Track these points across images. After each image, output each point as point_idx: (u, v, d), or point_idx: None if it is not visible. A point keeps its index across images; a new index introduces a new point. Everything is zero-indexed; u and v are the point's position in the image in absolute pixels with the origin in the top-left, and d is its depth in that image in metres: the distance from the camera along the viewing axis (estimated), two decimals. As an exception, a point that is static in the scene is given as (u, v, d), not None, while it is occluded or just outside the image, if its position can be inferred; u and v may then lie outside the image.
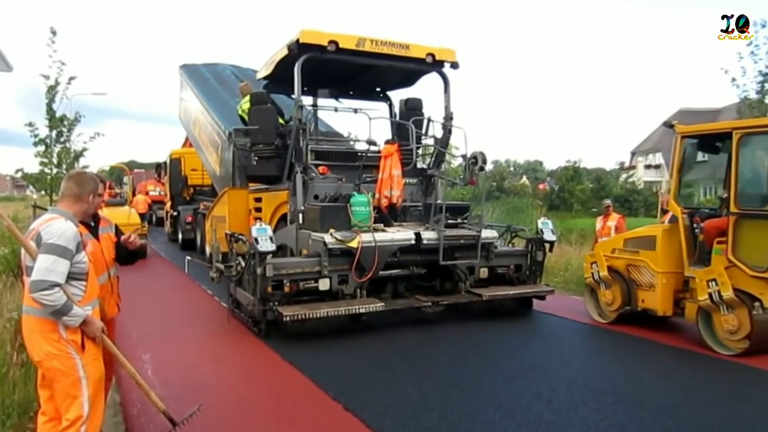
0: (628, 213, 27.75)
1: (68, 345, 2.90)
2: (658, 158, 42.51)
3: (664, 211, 8.40)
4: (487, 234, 7.43)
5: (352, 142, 10.10)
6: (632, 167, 43.48)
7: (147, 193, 23.26)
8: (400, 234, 6.99)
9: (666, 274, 6.49)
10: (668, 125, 7.07)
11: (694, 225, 6.41)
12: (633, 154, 45.97)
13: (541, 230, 7.71)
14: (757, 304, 5.62)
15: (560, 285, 9.81)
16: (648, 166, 43.15)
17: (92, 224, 3.47)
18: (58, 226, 2.88)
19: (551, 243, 7.76)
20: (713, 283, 5.82)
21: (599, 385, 4.80)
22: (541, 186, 41.74)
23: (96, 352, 3.04)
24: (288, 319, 6.03)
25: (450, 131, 8.41)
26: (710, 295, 5.82)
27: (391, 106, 10.05)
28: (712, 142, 6.91)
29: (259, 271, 6.21)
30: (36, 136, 9.18)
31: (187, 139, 16.54)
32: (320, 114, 10.26)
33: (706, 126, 7.01)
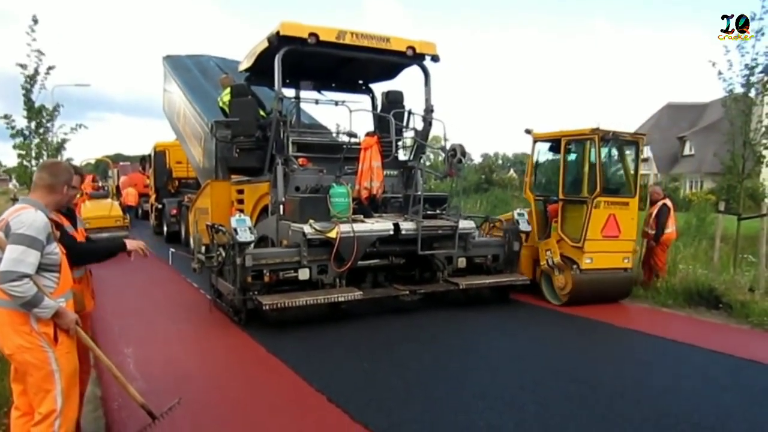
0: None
1: (40, 338, 2.83)
2: (646, 151, 42.89)
3: (653, 203, 8.85)
4: (465, 225, 7.57)
5: (334, 134, 10.18)
6: (620, 160, 43.80)
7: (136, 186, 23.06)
8: (379, 224, 7.10)
9: (527, 246, 8.17)
10: (527, 131, 8.46)
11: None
12: (621, 147, 46.38)
13: (517, 221, 7.87)
14: (575, 266, 7.55)
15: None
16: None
17: (71, 216, 3.52)
18: (27, 216, 2.81)
19: (527, 233, 7.92)
20: (549, 252, 7.87)
21: (584, 376, 4.87)
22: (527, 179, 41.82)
23: (69, 345, 2.98)
24: (267, 308, 6.13)
25: (430, 124, 8.53)
26: (547, 261, 7.89)
27: (373, 98, 10.13)
28: (557, 145, 8.16)
29: (238, 261, 6.30)
30: (13, 128, 9.09)
31: None
32: (304, 106, 10.33)
33: (547, 134, 8.42)
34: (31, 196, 3.07)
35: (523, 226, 7.81)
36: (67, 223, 3.42)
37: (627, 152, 8.05)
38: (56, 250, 2.92)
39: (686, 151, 40.27)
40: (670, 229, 8.72)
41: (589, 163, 7.60)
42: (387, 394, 4.42)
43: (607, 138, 7.52)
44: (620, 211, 7.58)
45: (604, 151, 7.80)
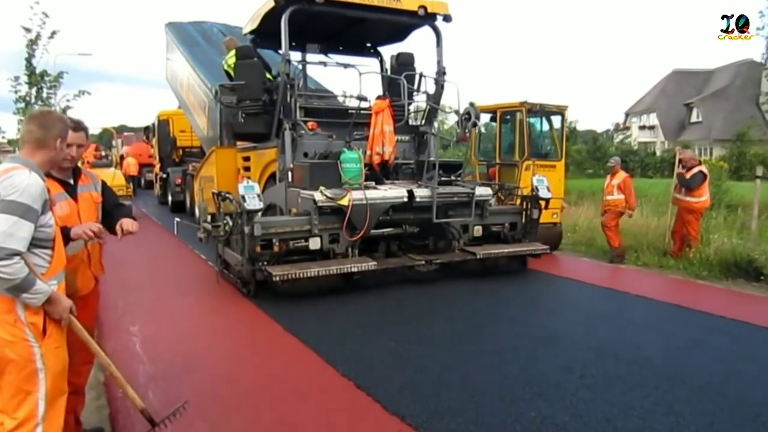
0: (624, 173, 27.50)
1: (26, 329, 2.31)
2: (652, 119, 42.12)
3: (687, 169, 8.55)
4: (482, 191, 7.27)
5: (341, 99, 9.82)
6: (626, 128, 43.05)
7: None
8: (392, 191, 6.81)
9: None
10: (470, 104, 8.27)
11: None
12: (627, 115, 45.44)
13: (536, 187, 7.54)
14: None
15: (569, 246, 9.64)
16: (642, 127, 42.68)
17: (70, 181, 2.97)
18: (21, 179, 2.27)
19: (547, 200, 7.61)
20: None
21: (631, 356, 4.39)
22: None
23: (59, 338, 2.47)
24: (278, 279, 5.89)
25: (443, 87, 8.15)
26: None
27: (382, 61, 9.74)
28: (495, 116, 9.35)
29: (246, 230, 6.03)
30: (17, 92, 8.79)
31: None
32: (309, 70, 9.93)
33: (487, 106, 9.36)
34: (20, 153, 2.56)
35: (543, 193, 7.48)
36: (58, 190, 2.89)
37: (554, 121, 9.33)
38: (51, 221, 2.42)
39: (693, 118, 39.59)
40: (705, 196, 8.36)
41: (519, 132, 8.76)
42: (420, 378, 3.97)
43: (534, 110, 8.78)
44: (548, 172, 8.38)
45: (534, 120, 9.03)
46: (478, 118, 7.15)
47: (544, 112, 8.91)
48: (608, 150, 29.92)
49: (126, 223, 3.04)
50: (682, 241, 8.36)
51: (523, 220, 7.71)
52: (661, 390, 3.78)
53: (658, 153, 33.80)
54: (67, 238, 2.70)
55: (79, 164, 3.18)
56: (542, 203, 7.61)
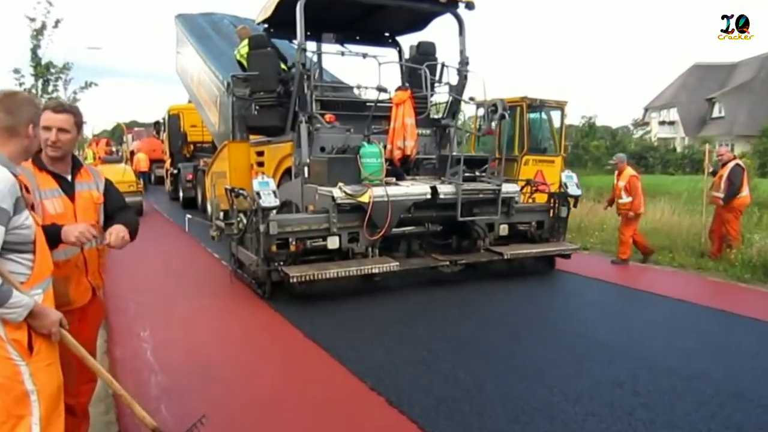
0: (644, 170, 26.89)
1: (8, 347, 2.01)
2: (672, 114, 41.16)
3: (722, 164, 7.98)
4: (508, 188, 6.88)
5: (357, 91, 9.46)
6: (645, 123, 42.19)
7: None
8: (415, 188, 6.44)
9: None
10: (470, 99, 8.22)
11: None
12: (646, 110, 44.53)
13: (565, 184, 7.14)
14: None
15: (597, 245, 9.17)
16: (662, 123, 41.77)
17: (67, 177, 2.63)
18: None
19: (576, 198, 7.20)
20: None
21: (686, 369, 3.98)
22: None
23: (50, 354, 2.14)
24: (295, 280, 5.55)
25: (466, 78, 7.76)
26: None
27: (400, 52, 9.36)
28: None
29: (262, 228, 5.69)
30: (21, 84, 8.49)
31: None
32: (323, 62, 9.58)
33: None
34: None
35: (572, 190, 7.08)
36: (49, 186, 2.54)
37: (554, 117, 9.41)
38: (28, 221, 2.05)
39: (715, 113, 38.51)
40: (745, 192, 7.83)
41: (519, 127, 8.62)
42: (457, 392, 3.61)
43: (533, 105, 8.76)
44: (546, 167, 8.61)
45: (534, 116, 8.90)
46: (506, 110, 6.73)
47: (544, 107, 9.02)
48: (627, 146, 29.34)
49: (114, 234, 2.58)
50: (720, 242, 7.88)
51: (551, 218, 7.32)
52: (728, 409, 3.39)
53: (678, 149, 33.06)
54: (56, 238, 2.34)
55: (90, 159, 2.78)
56: (571, 201, 7.22)
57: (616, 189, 8.18)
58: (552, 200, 7.32)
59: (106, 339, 4.83)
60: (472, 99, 8.00)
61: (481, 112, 7.85)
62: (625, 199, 7.94)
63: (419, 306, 5.68)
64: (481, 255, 6.78)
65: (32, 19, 7.95)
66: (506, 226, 7.06)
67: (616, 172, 8.37)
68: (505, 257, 6.62)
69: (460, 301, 5.89)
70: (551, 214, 7.30)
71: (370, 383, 3.76)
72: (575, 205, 7.30)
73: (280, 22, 7.96)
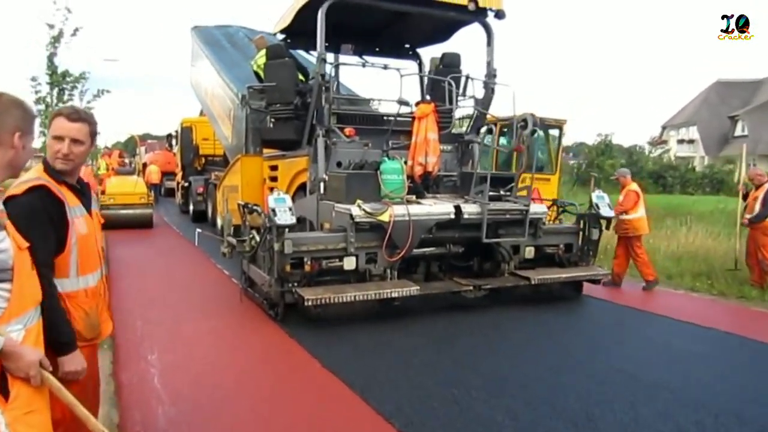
0: (662, 190, 26.35)
1: None
2: (692, 132, 40.37)
3: (756, 186, 7.52)
4: (536, 209, 6.50)
5: (375, 105, 9.16)
6: (663, 141, 41.48)
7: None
8: (438, 207, 6.08)
9: None
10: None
11: None
12: (664, 128, 43.86)
13: (597, 204, 6.74)
14: None
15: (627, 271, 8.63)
16: (681, 141, 41.00)
17: (82, 190, 2.32)
18: None
19: (609, 220, 6.80)
20: None
21: (760, 416, 3.55)
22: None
23: (32, 400, 1.79)
24: (310, 303, 5.18)
25: (493, 91, 7.40)
26: None
27: (420, 65, 9.06)
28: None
29: (276, 247, 5.35)
30: (37, 93, 8.25)
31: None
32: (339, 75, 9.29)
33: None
34: None
35: (605, 211, 6.68)
36: (74, 203, 2.25)
37: (552, 135, 9.26)
38: (5, 244, 1.73)
39: (738, 132, 37.53)
40: None
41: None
42: None
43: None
44: (542, 185, 8.39)
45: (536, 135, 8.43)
46: (536, 126, 6.37)
47: (543, 125, 8.70)
48: (645, 164, 28.81)
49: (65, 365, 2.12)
50: (759, 268, 7.41)
51: (580, 241, 6.92)
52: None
53: (698, 168, 32.40)
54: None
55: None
56: (603, 223, 6.81)
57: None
58: (581, 222, 6.91)
59: (111, 360, 4.54)
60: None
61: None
62: (632, 215, 7.51)
63: (443, 334, 5.27)
64: (507, 279, 6.38)
65: (51, 26, 7.74)
66: (533, 248, 6.66)
67: (621, 188, 7.98)
68: (533, 282, 6.22)
69: (487, 328, 5.48)
70: (581, 237, 6.89)
71: (398, 426, 3.37)
72: (608, 227, 6.89)
73: (298, 32, 7.71)
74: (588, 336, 5.48)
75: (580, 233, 6.89)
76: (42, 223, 2.08)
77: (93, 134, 2.33)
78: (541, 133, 8.65)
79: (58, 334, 2.07)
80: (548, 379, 4.14)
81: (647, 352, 4.94)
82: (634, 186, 7.74)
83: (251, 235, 6.06)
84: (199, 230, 10.07)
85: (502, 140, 9.22)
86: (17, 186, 2.12)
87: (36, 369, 1.76)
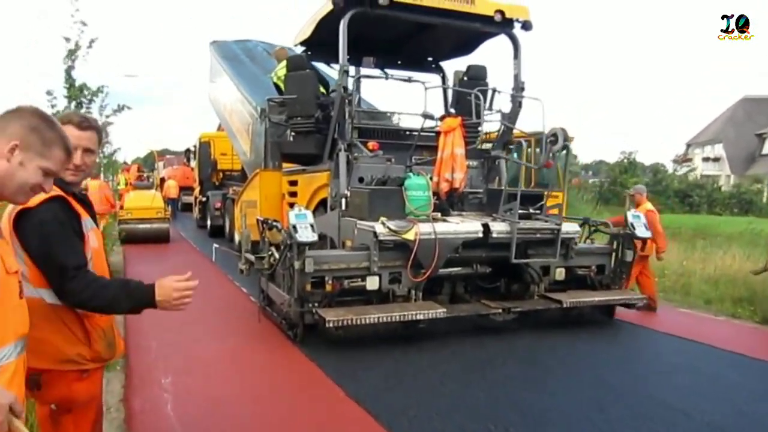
0: (688, 209, 25.67)
1: None
2: (717, 150, 39.49)
3: None
4: (568, 228, 6.20)
5: (395, 119, 8.96)
6: (688, 159, 40.65)
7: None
8: (465, 225, 5.80)
9: None
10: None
11: None
12: (688, 145, 43.05)
13: (632, 224, 6.40)
14: None
15: (659, 294, 7.97)
16: (706, 159, 40.16)
17: (86, 201, 2.16)
18: None
19: (644, 240, 6.45)
20: None
21: None
22: (574, 180, 39.60)
23: None
24: (331, 325, 4.92)
25: (520, 104, 7.15)
26: None
27: (444, 78, 8.85)
28: None
29: (296, 265, 5.10)
30: (53, 106, 8.15)
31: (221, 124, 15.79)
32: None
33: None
34: None
35: (640, 232, 6.33)
36: (85, 216, 2.08)
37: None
38: None
39: (765, 150, 36.60)
40: None
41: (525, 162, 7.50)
42: None
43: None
44: (549, 202, 7.44)
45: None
46: (566, 140, 6.08)
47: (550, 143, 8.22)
48: (670, 183, 28.19)
49: None
50: None
51: (613, 262, 6.58)
52: None
53: (724, 187, 31.62)
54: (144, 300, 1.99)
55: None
56: (638, 244, 6.47)
57: None
58: (615, 242, 6.57)
59: (123, 384, 4.30)
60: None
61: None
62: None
63: (473, 361, 4.95)
64: (537, 302, 6.06)
65: (67, 39, 7.65)
66: (563, 269, 6.33)
67: (634, 206, 7.58)
68: (564, 306, 5.89)
69: (520, 356, 5.15)
70: (614, 258, 6.55)
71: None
72: (642, 248, 6.54)
73: (319, 44, 7.54)
74: (627, 365, 5.10)
75: (614, 255, 6.55)
76: (68, 235, 1.93)
77: (100, 141, 2.20)
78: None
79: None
80: (592, 416, 3.79)
81: (695, 386, 4.54)
82: (650, 206, 7.41)
83: (270, 252, 5.84)
84: (216, 246, 9.89)
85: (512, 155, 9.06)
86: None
87: (5, 413, 1.43)
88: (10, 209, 1.87)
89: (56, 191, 1.95)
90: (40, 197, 1.88)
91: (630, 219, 6.41)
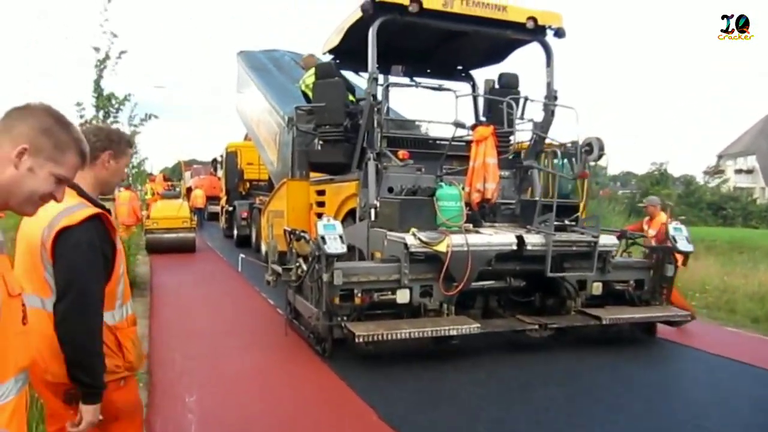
0: (722, 222, 24.92)
1: None
2: (750, 162, 38.50)
3: None
4: (606, 241, 5.96)
5: (425, 129, 8.81)
6: (720, 171, 39.69)
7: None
8: (498, 237, 5.61)
9: None
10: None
11: None
12: (720, 157, 42.08)
13: (674, 237, 6.12)
14: None
15: (701, 310, 7.81)
16: (739, 171, 39.20)
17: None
18: None
19: (686, 255, 6.16)
20: None
21: None
22: (602, 192, 38.80)
23: None
24: (361, 340, 4.76)
25: (553, 113, 6.95)
26: None
27: (474, 86, 8.68)
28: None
29: (325, 277, 4.97)
30: (82, 116, 8.23)
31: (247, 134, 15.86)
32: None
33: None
34: None
35: (683, 245, 6.05)
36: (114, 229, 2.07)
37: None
38: None
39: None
40: None
41: (543, 172, 7.30)
42: None
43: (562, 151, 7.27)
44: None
45: (557, 162, 7.50)
46: (602, 150, 5.87)
47: (568, 154, 7.66)
48: (703, 195, 27.44)
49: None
50: None
51: (653, 277, 6.29)
52: None
53: (759, 200, 30.66)
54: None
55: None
56: (679, 258, 6.18)
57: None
58: (654, 256, 6.29)
59: (146, 402, 4.16)
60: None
61: None
62: None
63: (511, 382, 4.73)
64: (574, 318, 5.81)
65: (97, 49, 7.72)
66: (600, 284, 6.08)
67: (647, 218, 7.38)
68: (604, 322, 5.63)
69: (561, 377, 4.89)
70: (654, 273, 6.27)
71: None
72: (684, 263, 6.25)
73: (348, 52, 7.46)
74: (682, 392, 4.79)
75: (653, 269, 6.27)
76: (98, 263, 1.90)
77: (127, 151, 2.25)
78: (564, 160, 7.73)
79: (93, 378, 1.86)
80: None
81: (758, 416, 4.23)
82: (664, 218, 7.12)
83: (298, 264, 5.72)
84: (242, 256, 9.85)
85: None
86: (71, 215, 1.83)
87: None
88: (36, 221, 1.76)
89: (97, 209, 1.90)
90: (83, 214, 1.85)
91: (671, 232, 6.13)
